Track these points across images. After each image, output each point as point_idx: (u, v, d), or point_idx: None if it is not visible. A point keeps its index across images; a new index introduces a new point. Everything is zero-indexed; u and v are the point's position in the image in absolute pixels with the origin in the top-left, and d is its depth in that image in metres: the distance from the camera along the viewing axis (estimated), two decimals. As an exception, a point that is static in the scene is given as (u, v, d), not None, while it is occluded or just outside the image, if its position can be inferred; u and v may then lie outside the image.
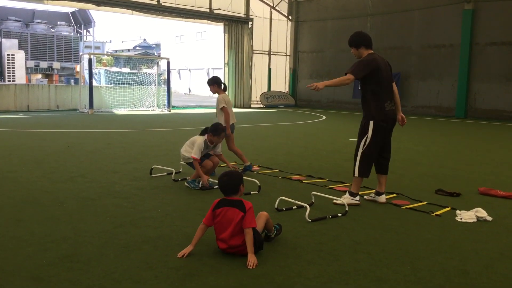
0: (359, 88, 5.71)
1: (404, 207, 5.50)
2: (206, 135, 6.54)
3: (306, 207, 4.98)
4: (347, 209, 5.18)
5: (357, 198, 5.54)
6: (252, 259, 3.63)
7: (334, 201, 5.48)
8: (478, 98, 21.50)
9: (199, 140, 6.48)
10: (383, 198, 5.69)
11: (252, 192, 6.04)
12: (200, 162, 6.38)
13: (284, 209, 5.24)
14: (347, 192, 5.63)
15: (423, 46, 22.74)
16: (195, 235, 3.90)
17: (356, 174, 5.54)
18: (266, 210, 5.18)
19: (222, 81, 7.62)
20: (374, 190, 5.88)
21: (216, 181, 6.31)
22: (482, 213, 5.08)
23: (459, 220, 4.99)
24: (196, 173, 6.34)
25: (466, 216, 5.03)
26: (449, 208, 5.43)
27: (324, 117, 20.42)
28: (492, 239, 4.43)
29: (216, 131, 6.48)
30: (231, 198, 3.92)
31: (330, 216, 4.97)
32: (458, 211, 5.21)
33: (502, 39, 20.60)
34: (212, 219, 3.89)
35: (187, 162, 6.71)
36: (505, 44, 20.55)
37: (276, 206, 5.25)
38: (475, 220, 4.98)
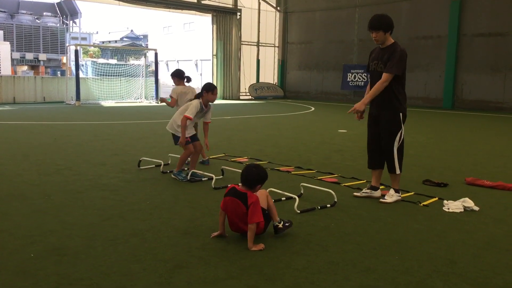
0: (373, 79, 5.40)
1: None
2: (200, 98, 6.39)
3: (295, 198, 4.99)
4: (335, 199, 5.20)
5: (400, 193, 5.43)
6: (256, 248, 3.74)
7: (381, 200, 5.30)
8: (465, 89, 21.66)
9: (195, 102, 6.34)
10: (379, 193, 5.54)
11: (239, 184, 6.02)
12: (188, 142, 6.38)
13: (273, 200, 5.23)
14: (391, 189, 5.43)
15: (411, 37, 22.81)
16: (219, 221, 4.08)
17: (399, 171, 5.37)
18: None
19: (185, 73, 7.68)
20: (366, 184, 5.87)
21: (203, 173, 6.33)
22: (469, 203, 5.13)
23: (447, 210, 5.03)
24: (180, 162, 6.32)
25: (453, 206, 5.07)
26: (436, 199, 5.47)
27: (313, 109, 20.43)
28: (479, 229, 4.48)
29: (209, 87, 6.34)
30: (241, 189, 4.00)
31: (319, 207, 4.98)
32: (445, 201, 5.26)
33: (489, 31, 20.73)
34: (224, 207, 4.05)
35: (174, 134, 6.53)
36: (492, 35, 20.69)
37: (265, 198, 5.24)
38: (462, 210, 5.03)
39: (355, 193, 5.60)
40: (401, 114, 5.27)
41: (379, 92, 5.18)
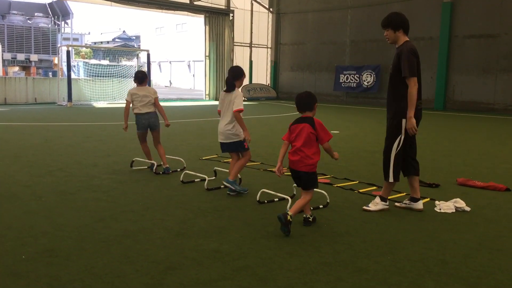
0: (392, 84, 4.99)
1: (384, 198, 5.54)
2: (236, 89, 5.74)
3: (287, 199, 4.99)
4: (328, 200, 5.21)
5: (387, 202, 5.10)
6: (336, 156, 4.47)
7: (365, 207, 5.07)
8: (457, 90, 21.78)
9: (240, 93, 5.74)
10: (420, 204, 5.09)
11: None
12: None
13: (265, 201, 5.24)
14: (377, 197, 5.14)
15: (403, 38, 22.88)
16: (280, 153, 4.51)
17: (391, 179, 5.01)
18: (248, 203, 5.22)
19: (145, 75, 7.26)
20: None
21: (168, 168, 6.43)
22: (460, 203, 5.16)
23: (438, 211, 5.06)
24: (238, 169, 5.71)
25: (445, 206, 5.10)
26: (428, 199, 5.49)
27: (305, 110, 20.45)
28: (470, 229, 4.50)
29: (236, 72, 5.75)
30: (305, 115, 4.48)
31: (312, 208, 4.98)
32: (437, 202, 5.28)
33: (480, 32, 20.87)
34: (289, 135, 4.48)
35: (231, 142, 5.77)
36: (483, 37, 20.82)
37: (258, 199, 5.25)
38: (454, 211, 5.06)
39: (396, 203, 5.26)
40: (404, 120, 4.86)
41: (414, 99, 4.76)
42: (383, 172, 5.10)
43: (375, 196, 5.60)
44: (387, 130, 5.05)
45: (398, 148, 4.95)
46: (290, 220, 4.12)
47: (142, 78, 7.09)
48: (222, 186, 5.89)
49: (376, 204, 5.06)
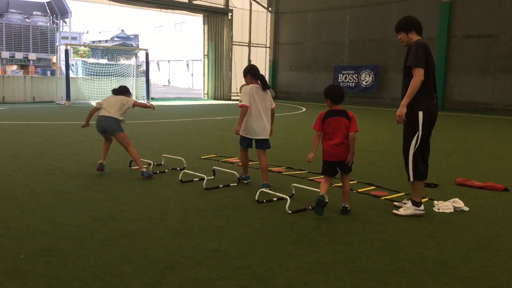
0: (404, 80, 4.95)
1: (382, 198, 5.56)
2: (253, 83, 5.92)
3: (286, 198, 4.99)
4: (327, 200, 5.20)
5: (422, 207, 4.87)
6: (351, 159, 4.82)
7: (395, 211, 4.90)
8: (455, 90, 21.80)
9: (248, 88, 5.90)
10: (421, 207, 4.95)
11: (231, 184, 6.03)
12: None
13: (264, 201, 5.24)
14: (409, 201, 4.94)
15: (402, 38, 22.89)
16: (313, 143, 4.91)
17: (411, 179, 4.86)
18: (246, 202, 5.22)
19: (124, 90, 6.97)
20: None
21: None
22: (459, 203, 5.17)
23: (437, 211, 5.06)
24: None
25: (444, 206, 5.10)
26: (426, 199, 5.49)
27: (304, 109, 20.47)
28: (469, 229, 4.51)
29: (251, 71, 5.96)
30: (337, 108, 4.90)
31: (310, 208, 4.99)
32: (435, 202, 5.29)
33: (479, 32, 20.89)
34: (322, 127, 4.88)
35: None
36: (482, 37, 20.85)
37: (256, 198, 5.25)
38: (452, 210, 5.06)
39: (395, 203, 5.22)
40: (421, 113, 4.74)
41: (415, 90, 4.72)
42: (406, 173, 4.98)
43: (374, 196, 5.62)
44: (404, 126, 4.93)
45: (416, 146, 4.84)
46: (327, 202, 4.70)
47: (119, 90, 6.90)
48: (221, 186, 5.91)
49: (406, 209, 4.88)
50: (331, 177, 4.93)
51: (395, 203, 5.25)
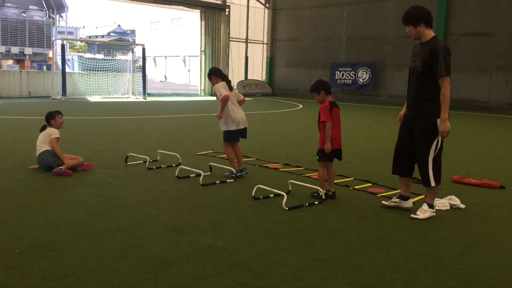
0: (421, 82, 4.70)
1: (379, 195, 5.56)
2: (219, 81, 6.42)
3: (283, 195, 4.99)
4: (324, 197, 5.21)
5: (434, 209, 4.82)
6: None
7: (413, 216, 4.72)
8: (452, 88, 21.65)
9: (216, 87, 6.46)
10: (410, 203, 5.02)
11: (228, 181, 6.02)
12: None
13: (261, 197, 5.24)
14: (424, 204, 4.81)
15: (399, 36, 22.89)
16: (327, 134, 5.16)
17: (433, 184, 4.74)
18: (243, 199, 5.21)
19: (49, 116, 6.90)
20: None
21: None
22: (455, 200, 5.18)
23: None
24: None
25: (440, 203, 5.11)
26: (423, 196, 5.49)
27: (301, 106, 20.47)
28: (465, 226, 4.52)
29: (214, 72, 6.57)
30: (332, 100, 5.33)
31: (307, 204, 4.99)
32: (432, 199, 5.28)
33: (475, 30, 20.92)
34: (330, 116, 5.20)
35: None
36: (479, 35, 20.87)
37: (253, 195, 5.24)
38: (449, 208, 5.07)
39: (383, 202, 5.12)
40: (439, 120, 4.60)
41: (448, 100, 4.56)
42: (421, 179, 4.87)
43: (370, 193, 5.62)
44: (419, 132, 4.75)
45: (436, 151, 4.73)
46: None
47: (46, 118, 6.72)
48: (218, 182, 5.91)
49: (424, 212, 4.73)
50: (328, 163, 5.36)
51: (383, 202, 5.14)
